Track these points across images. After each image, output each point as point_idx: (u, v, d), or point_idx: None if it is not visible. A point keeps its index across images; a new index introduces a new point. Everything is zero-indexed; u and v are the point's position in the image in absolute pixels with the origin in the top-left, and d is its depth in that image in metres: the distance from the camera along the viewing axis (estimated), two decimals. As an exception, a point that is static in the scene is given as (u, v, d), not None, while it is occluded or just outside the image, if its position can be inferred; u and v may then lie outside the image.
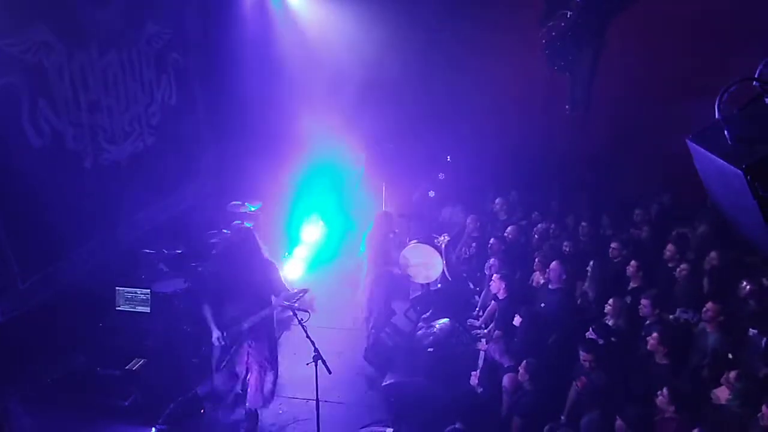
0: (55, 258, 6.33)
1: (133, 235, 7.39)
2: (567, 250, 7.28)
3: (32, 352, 5.73)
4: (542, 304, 6.39)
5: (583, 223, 7.83)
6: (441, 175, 9.54)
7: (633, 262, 6.45)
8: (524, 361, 5.30)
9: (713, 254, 6.31)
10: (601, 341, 5.42)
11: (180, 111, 8.51)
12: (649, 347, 5.17)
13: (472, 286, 7.85)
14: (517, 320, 6.15)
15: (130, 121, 7.50)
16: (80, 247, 6.61)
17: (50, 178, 5.93)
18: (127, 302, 6.34)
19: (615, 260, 6.98)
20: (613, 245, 7.07)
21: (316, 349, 4.77)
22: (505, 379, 5.47)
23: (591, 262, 6.79)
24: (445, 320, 6.93)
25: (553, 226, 8.06)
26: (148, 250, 7.22)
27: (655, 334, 5.12)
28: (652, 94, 8.43)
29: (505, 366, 5.69)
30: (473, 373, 6.14)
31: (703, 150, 2.22)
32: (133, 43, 7.46)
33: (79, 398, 5.86)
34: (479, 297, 7.61)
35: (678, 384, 4.77)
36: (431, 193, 9.35)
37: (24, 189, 5.68)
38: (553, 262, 6.53)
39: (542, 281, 6.79)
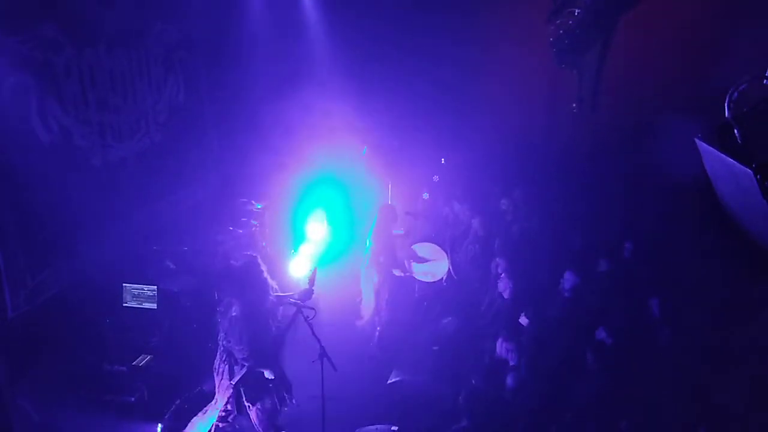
0: (63, 254, 6.34)
1: (140, 232, 7.42)
2: (576, 248, 7.25)
3: (39, 348, 5.76)
4: (550, 304, 6.36)
5: (591, 224, 7.78)
6: (435, 178, 9.48)
7: (641, 264, 6.43)
8: (530, 360, 5.29)
9: (722, 260, 6.26)
10: (610, 341, 5.40)
11: (187, 109, 8.52)
12: (658, 343, 5.15)
13: (477, 284, 7.83)
14: (523, 320, 6.13)
15: (138, 118, 7.52)
16: (87, 244, 6.62)
17: (58, 175, 5.95)
18: (134, 299, 6.36)
19: (624, 260, 6.94)
20: (627, 245, 7.03)
21: (321, 347, 4.78)
22: (510, 378, 5.46)
23: (599, 262, 6.76)
24: (451, 318, 6.93)
25: (559, 225, 8.01)
26: (155, 247, 7.25)
27: (665, 332, 5.10)
28: (660, 92, 8.37)
29: (511, 365, 5.68)
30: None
31: (712, 149, 2.21)
32: (141, 42, 7.48)
33: (85, 394, 5.90)
34: (485, 295, 7.59)
35: (682, 385, 4.74)
36: (425, 195, 9.30)
37: (32, 186, 5.69)
38: (567, 274, 6.52)
39: (548, 280, 6.77)
